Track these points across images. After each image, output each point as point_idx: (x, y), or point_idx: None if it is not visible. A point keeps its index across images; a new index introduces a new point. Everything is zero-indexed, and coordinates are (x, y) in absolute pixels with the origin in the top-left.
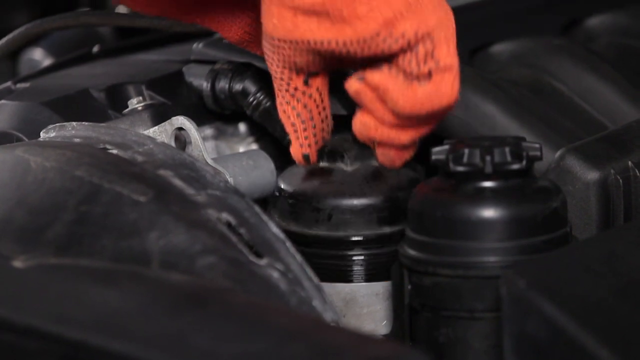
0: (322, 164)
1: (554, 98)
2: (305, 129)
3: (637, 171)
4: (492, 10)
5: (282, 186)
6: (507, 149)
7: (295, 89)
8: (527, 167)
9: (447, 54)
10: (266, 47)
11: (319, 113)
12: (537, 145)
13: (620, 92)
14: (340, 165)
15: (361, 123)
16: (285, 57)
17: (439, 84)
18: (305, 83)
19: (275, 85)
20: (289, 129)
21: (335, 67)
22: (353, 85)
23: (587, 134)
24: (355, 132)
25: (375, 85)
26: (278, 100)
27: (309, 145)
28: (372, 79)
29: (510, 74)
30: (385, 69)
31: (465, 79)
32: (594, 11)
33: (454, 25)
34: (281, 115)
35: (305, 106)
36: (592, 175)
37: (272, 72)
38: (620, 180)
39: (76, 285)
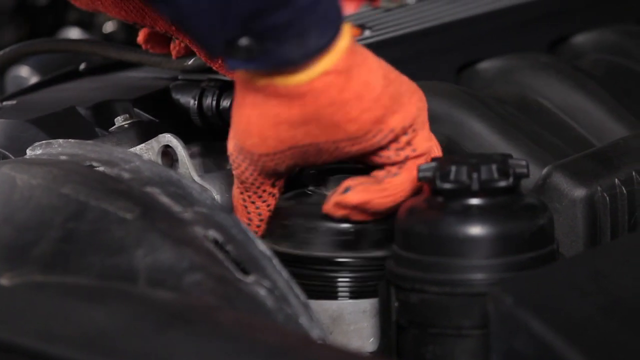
0: (310, 189)
1: (540, 115)
2: (259, 225)
3: (623, 188)
4: (479, 27)
5: None
6: (494, 166)
7: (264, 191)
8: (514, 185)
9: (423, 139)
10: (239, 157)
11: (274, 209)
12: (523, 163)
13: (607, 109)
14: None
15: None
16: (264, 168)
17: (411, 170)
18: (273, 185)
19: (242, 187)
20: (241, 218)
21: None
22: (338, 212)
23: (574, 151)
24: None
25: (355, 205)
26: (239, 197)
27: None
28: (351, 201)
29: (497, 91)
30: (358, 186)
31: (452, 96)
32: (580, 28)
33: (426, 105)
34: (239, 209)
35: (268, 205)
36: (579, 192)
37: (242, 177)
38: (607, 198)
39: (63, 303)
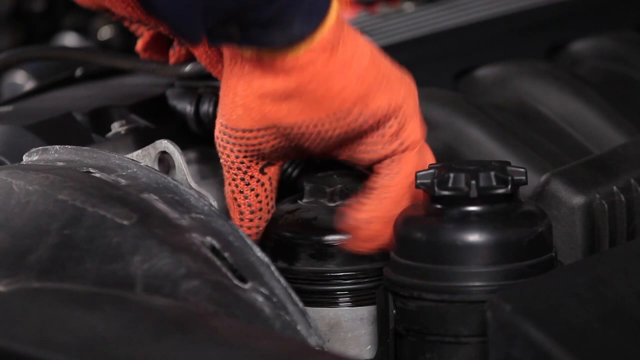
0: (305, 201)
1: (538, 122)
2: (251, 219)
3: (622, 196)
4: (477, 34)
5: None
6: (492, 174)
7: (251, 177)
8: (512, 192)
9: (413, 130)
10: (224, 138)
11: (267, 203)
12: (522, 170)
13: (605, 116)
14: (323, 201)
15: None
16: (248, 147)
17: (401, 163)
18: (261, 172)
19: (229, 175)
20: (234, 214)
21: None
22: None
23: (572, 158)
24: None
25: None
26: (229, 188)
27: (249, 233)
28: (362, 219)
29: (495, 98)
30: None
31: (450, 103)
32: (578, 35)
33: (416, 94)
34: (229, 201)
35: (257, 195)
36: (578, 199)
37: (228, 163)
38: (606, 205)
39: (59, 310)
